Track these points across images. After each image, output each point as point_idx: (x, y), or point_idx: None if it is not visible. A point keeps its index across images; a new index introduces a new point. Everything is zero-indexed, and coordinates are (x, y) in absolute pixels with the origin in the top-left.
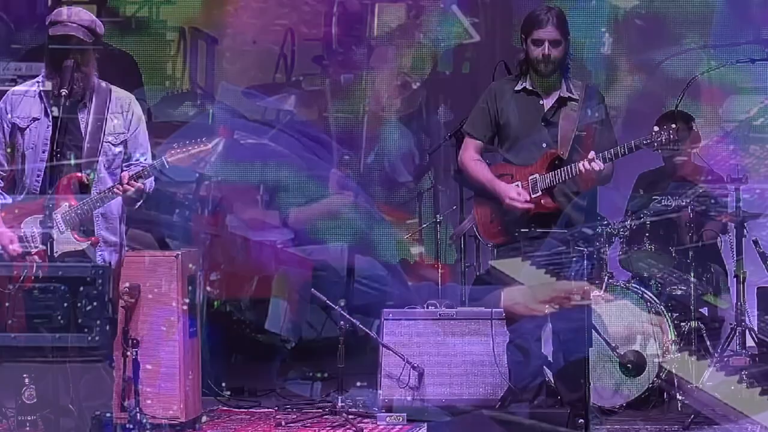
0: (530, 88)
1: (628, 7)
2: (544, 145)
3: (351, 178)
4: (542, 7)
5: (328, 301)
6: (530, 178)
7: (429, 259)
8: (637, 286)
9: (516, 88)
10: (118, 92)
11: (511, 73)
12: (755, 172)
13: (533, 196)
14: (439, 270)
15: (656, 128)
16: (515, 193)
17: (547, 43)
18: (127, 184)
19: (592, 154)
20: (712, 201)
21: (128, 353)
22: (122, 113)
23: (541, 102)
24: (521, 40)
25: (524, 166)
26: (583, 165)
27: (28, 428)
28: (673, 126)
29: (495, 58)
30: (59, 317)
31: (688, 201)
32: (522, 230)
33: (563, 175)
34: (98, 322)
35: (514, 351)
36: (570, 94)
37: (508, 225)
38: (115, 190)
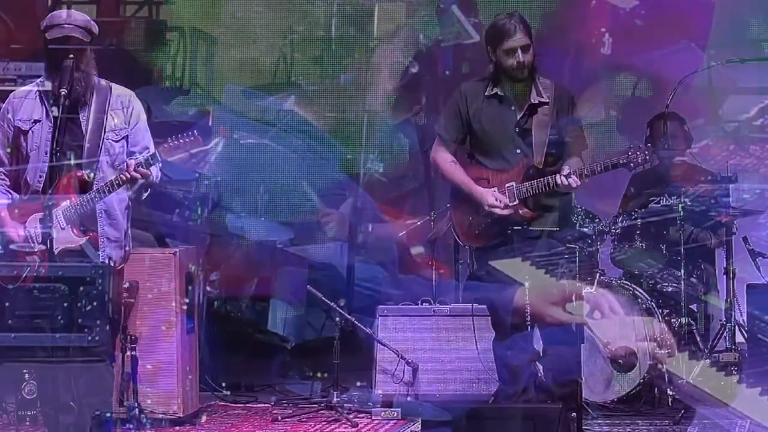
0: (501, 94)
1: (628, 7)
2: (518, 151)
3: (352, 177)
4: (503, 16)
5: (324, 298)
6: (507, 186)
7: (424, 256)
8: (629, 284)
9: (486, 94)
10: (117, 89)
11: None
12: (755, 172)
13: (510, 204)
14: (434, 267)
15: (632, 147)
16: (493, 199)
17: (519, 51)
18: (134, 170)
19: (566, 170)
20: (712, 201)
21: (127, 350)
22: (122, 109)
23: (512, 108)
24: (488, 52)
25: (499, 172)
26: (560, 179)
27: (28, 423)
28: (650, 145)
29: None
30: (59, 317)
31: (682, 201)
32: (515, 228)
33: (540, 186)
34: (98, 322)
35: (516, 352)
36: (540, 98)
37: (486, 228)
38: (121, 176)
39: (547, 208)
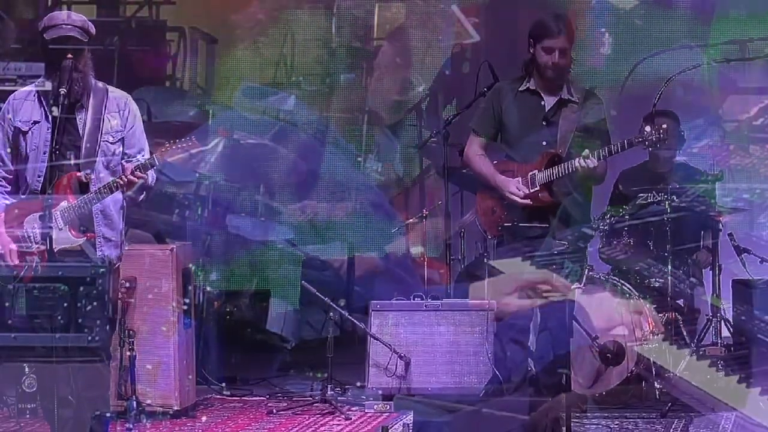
0: (533, 88)
1: (628, 7)
2: (544, 143)
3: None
4: (552, 15)
5: (318, 293)
6: (529, 174)
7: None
8: (617, 279)
9: (520, 89)
10: (114, 92)
11: (496, 74)
12: (755, 172)
13: (531, 190)
14: (425, 263)
15: (648, 128)
16: (515, 188)
17: (557, 52)
18: (131, 175)
19: (586, 152)
20: (705, 199)
21: (125, 346)
22: (119, 112)
23: (542, 102)
24: (529, 43)
25: (525, 164)
26: (579, 162)
27: (28, 416)
28: (664, 126)
29: (494, 58)
30: (59, 317)
31: (671, 198)
32: (522, 224)
33: (560, 171)
34: (98, 322)
35: (510, 347)
36: (570, 97)
37: (508, 218)
38: (119, 181)
39: (571, 199)
